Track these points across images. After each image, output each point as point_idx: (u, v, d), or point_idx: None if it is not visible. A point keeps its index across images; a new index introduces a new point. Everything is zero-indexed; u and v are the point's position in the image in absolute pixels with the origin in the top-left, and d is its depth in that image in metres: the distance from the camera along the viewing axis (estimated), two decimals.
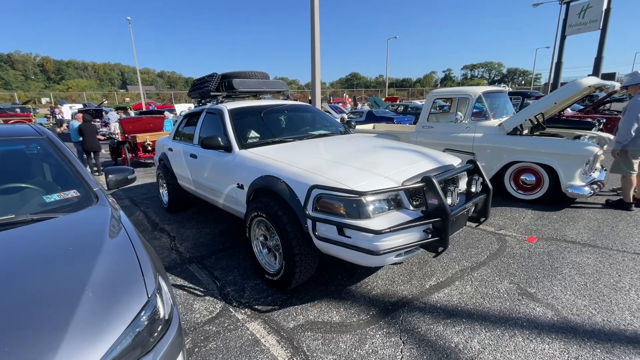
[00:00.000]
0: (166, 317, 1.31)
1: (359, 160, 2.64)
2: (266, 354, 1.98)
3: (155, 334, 1.23)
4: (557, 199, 4.46)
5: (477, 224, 2.81)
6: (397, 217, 2.19)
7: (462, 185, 2.86)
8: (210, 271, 3.05)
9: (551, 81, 23.26)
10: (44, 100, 40.74)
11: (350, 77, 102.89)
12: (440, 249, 2.23)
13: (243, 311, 2.42)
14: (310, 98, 9.90)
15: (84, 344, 1.02)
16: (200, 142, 3.39)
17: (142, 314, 1.21)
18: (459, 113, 5.24)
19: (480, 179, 2.64)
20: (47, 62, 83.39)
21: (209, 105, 4.20)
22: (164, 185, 4.83)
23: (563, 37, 19.49)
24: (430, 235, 2.21)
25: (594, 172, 4.52)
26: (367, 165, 2.51)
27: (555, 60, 20.73)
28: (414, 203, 2.32)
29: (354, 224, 2.04)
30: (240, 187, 2.98)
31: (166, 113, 15.52)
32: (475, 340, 2.03)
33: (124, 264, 1.38)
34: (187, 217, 4.58)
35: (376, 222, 2.08)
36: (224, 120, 3.49)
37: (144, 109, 20.81)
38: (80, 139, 7.31)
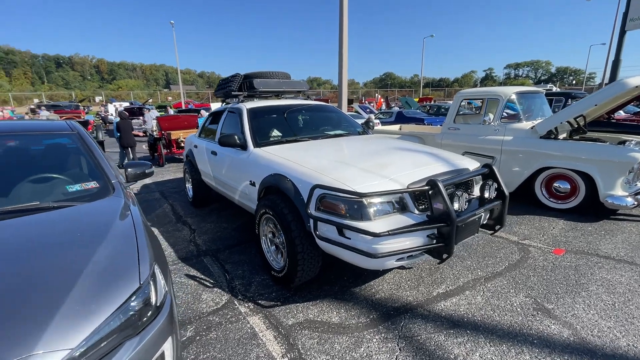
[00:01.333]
0: (157, 304, 1.39)
1: (367, 162, 2.60)
2: (262, 348, 2.03)
3: (145, 319, 1.31)
4: (594, 209, 4.09)
5: (492, 232, 2.66)
6: (400, 220, 2.13)
7: (478, 190, 2.72)
8: (222, 264, 3.16)
9: (606, 81, 21.31)
10: (97, 99, 44.38)
11: (384, 77, 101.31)
12: (444, 255, 2.14)
13: (247, 305, 2.49)
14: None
15: (72, 323, 1.12)
16: (219, 139, 3.54)
17: (132, 299, 1.29)
18: (489, 114, 4.97)
19: (495, 185, 2.49)
20: (101, 64, 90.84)
21: (231, 104, 4.35)
22: (190, 180, 5.08)
23: (622, 33, 17.69)
24: (434, 241, 2.14)
25: None
26: (374, 167, 2.48)
27: (612, 58, 18.93)
28: (420, 207, 2.25)
29: (352, 225, 2.03)
30: (253, 184, 3.06)
31: (202, 112, 16.28)
32: (477, 354, 1.92)
33: (123, 252, 1.48)
34: (209, 212, 4.78)
35: (376, 225, 2.05)
36: (242, 118, 3.60)
37: (183, 108, 21.99)
38: (119, 135, 7.90)
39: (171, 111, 18.09)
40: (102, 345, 1.14)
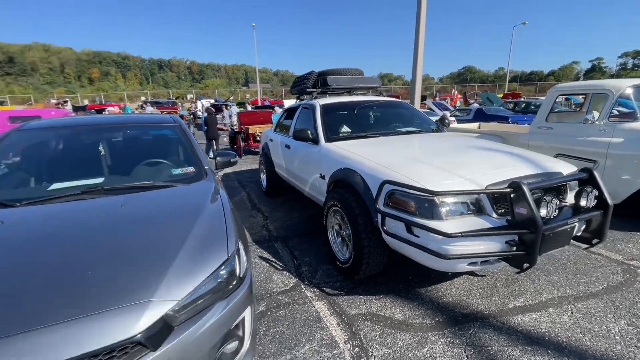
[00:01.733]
0: (240, 275, 1.59)
1: (440, 160, 2.51)
2: (325, 332, 2.14)
3: (231, 286, 1.51)
4: None
5: (587, 246, 2.33)
6: (474, 222, 2.02)
7: (573, 197, 2.41)
8: (291, 250, 3.38)
9: None
10: (188, 97, 50.32)
11: (463, 71, 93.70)
12: (525, 265, 1.96)
13: (312, 290, 2.64)
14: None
15: (180, 279, 1.35)
16: (293, 134, 3.76)
17: (222, 268, 1.50)
18: (593, 112, 4.29)
19: (596, 192, 2.17)
20: (193, 65, 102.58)
21: (305, 100, 4.57)
22: (264, 171, 5.49)
23: None
24: (514, 248, 1.97)
25: None
26: (449, 165, 2.37)
27: None
28: (499, 211, 2.09)
29: (422, 223, 1.99)
30: (322, 177, 3.19)
31: (276, 108, 17.27)
32: None
33: (214, 227, 1.72)
34: (281, 202, 5.12)
35: (448, 225, 1.97)
36: (315, 114, 3.76)
37: (259, 104, 23.63)
38: (206, 128, 8.90)
39: (249, 107, 19.62)
40: (199, 302, 1.36)
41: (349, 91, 4.83)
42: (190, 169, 2.46)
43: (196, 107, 25.16)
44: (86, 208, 1.84)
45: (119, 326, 1.16)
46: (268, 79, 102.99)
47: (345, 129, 3.72)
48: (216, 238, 1.65)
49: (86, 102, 34.68)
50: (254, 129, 9.74)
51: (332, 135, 3.51)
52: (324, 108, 3.81)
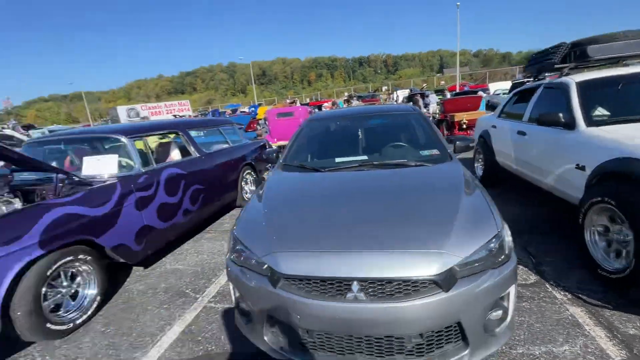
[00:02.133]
0: (507, 252, 1.65)
1: None
2: (590, 340, 1.88)
3: (499, 260, 1.60)
4: None
5: None
6: None
7: None
8: (524, 246, 3.10)
9: None
10: (383, 89, 53.37)
11: None
12: None
13: (562, 293, 2.35)
14: None
15: (461, 241, 1.57)
16: (534, 118, 3.34)
17: (492, 241, 1.62)
18: None
19: None
20: (388, 58, 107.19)
21: (547, 80, 3.92)
22: (480, 159, 5.19)
23: None
24: None
25: None
26: None
27: None
28: None
29: None
30: (581, 168, 2.70)
31: (480, 93, 15.61)
32: None
33: (479, 204, 1.86)
34: (497, 193, 4.71)
35: None
36: (569, 94, 3.16)
37: (458, 90, 21.99)
38: None
39: (448, 94, 18.64)
40: (475, 264, 1.54)
41: (617, 61, 3.73)
42: (435, 151, 2.71)
43: (393, 98, 26.44)
44: (367, 176, 2.42)
45: (421, 265, 1.50)
46: (466, 61, 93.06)
47: (617, 109, 2.94)
48: (483, 214, 1.78)
49: (308, 100, 43.49)
50: (459, 116, 9.23)
51: (598, 118, 2.87)
52: (584, 85, 3.13)
